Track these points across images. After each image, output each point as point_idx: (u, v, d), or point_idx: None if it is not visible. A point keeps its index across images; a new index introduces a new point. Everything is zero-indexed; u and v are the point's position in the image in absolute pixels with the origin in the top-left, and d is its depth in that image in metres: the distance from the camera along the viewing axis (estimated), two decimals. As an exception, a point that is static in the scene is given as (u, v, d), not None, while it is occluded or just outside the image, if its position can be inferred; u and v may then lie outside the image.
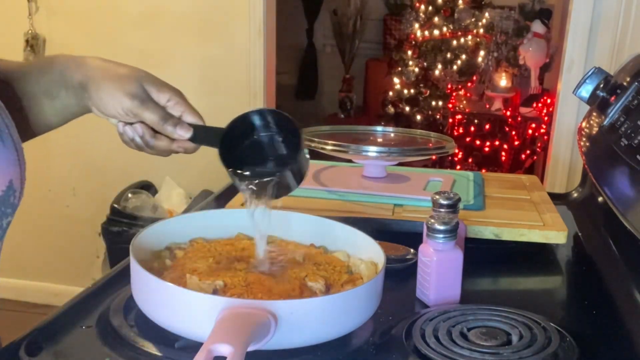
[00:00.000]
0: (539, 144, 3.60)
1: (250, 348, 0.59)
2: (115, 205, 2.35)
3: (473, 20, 3.74)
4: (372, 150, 1.13)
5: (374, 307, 0.73)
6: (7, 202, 0.69)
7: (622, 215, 0.84)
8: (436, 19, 3.80)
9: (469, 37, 3.75)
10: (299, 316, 0.65)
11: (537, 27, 3.53)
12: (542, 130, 3.56)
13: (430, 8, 3.83)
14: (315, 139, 1.14)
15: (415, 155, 1.18)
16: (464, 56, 3.77)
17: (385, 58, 4.76)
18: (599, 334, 0.78)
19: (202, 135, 0.81)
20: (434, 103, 3.90)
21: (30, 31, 2.46)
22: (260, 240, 0.79)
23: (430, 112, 3.92)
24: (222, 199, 1.14)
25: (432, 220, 0.81)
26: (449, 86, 3.85)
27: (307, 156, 0.79)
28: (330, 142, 1.12)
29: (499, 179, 1.29)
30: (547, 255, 1.03)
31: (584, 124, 1.12)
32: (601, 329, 0.80)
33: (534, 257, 1.02)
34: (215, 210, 0.95)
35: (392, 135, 1.34)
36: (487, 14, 3.71)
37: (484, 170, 3.02)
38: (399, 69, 3.97)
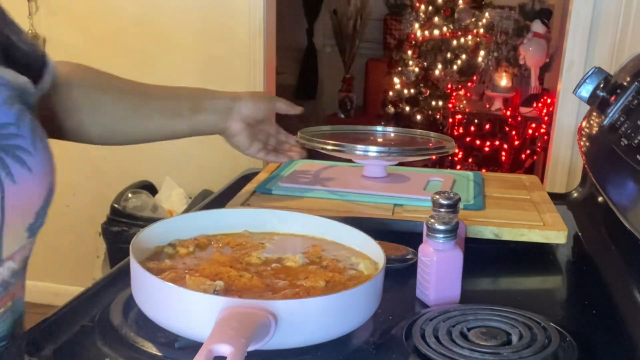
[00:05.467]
0: (539, 144, 3.60)
1: (250, 348, 0.59)
2: (115, 205, 2.35)
3: (473, 20, 3.74)
4: (372, 150, 1.13)
5: (374, 307, 0.73)
6: (48, 205, 0.74)
7: (622, 215, 0.84)
8: (436, 18, 3.80)
9: (469, 37, 3.75)
10: (299, 316, 0.65)
11: (537, 27, 3.54)
12: (542, 130, 3.56)
13: (430, 8, 3.83)
14: (316, 139, 1.14)
15: (415, 155, 1.18)
16: (464, 56, 3.77)
17: (385, 58, 4.76)
18: (599, 334, 0.78)
19: None
20: (434, 103, 3.90)
21: (30, 31, 2.46)
22: None
23: (430, 112, 3.92)
24: (222, 199, 1.14)
25: (432, 220, 0.81)
26: (449, 86, 3.85)
27: None
28: (330, 142, 1.12)
29: (499, 178, 1.29)
30: (547, 255, 1.03)
31: (584, 124, 1.12)
32: (601, 329, 0.80)
33: (534, 257, 1.02)
34: (215, 210, 0.95)
35: (392, 135, 1.34)
36: (487, 14, 3.71)
37: (484, 170, 3.02)
38: (399, 69, 3.97)
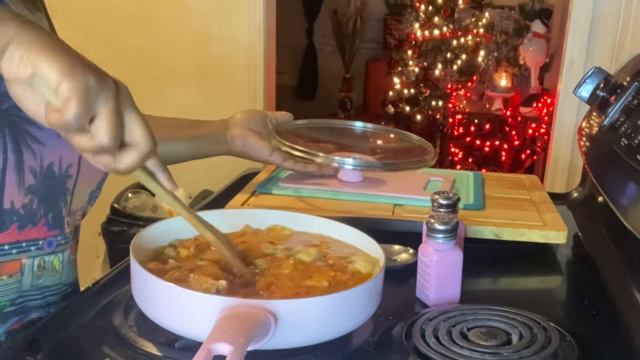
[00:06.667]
0: (539, 144, 3.61)
1: (250, 348, 0.59)
2: (115, 205, 2.35)
3: (473, 20, 3.74)
4: (347, 163, 1.07)
5: (374, 307, 0.73)
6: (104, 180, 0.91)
7: (622, 215, 0.84)
8: (436, 18, 3.81)
9: (469, 37, 3.75)
10: (299, 316, 0.65)
11: (537, 27, 3.54)
12: (542, 130, 3.56)
13: (430, 8, 3.83)
14: (286, 142, 1.07)
15: (394, 170, 1.11)
16: (464, 56, 3.77)
17: (385, 58, 4.76)
18: (599, 334, 0.78)
19: None
20: (434, 103, 3.91)
21: (30, 31, 2.46)
22: None
23: (430, 112, 3.92)
24: (222, 199, 1.14)
25: (432, 220, 0.81)
26: (449, 86, 3.85)
27: None
28: (299, 147, 1.04)
29: (499, 178, 1.29)
30: (547, 255, 1.03)
31: (584, 124, 1.12)
32: (601, 329, 0.80)
33: (534, 257, 1.02)
34: (215, 210, 0.95)
35: (371, 131, 1.25)
36: (487, 14, 3.71)
37: (484, 170, 3.02)
38: (399, 68, 3.97)
